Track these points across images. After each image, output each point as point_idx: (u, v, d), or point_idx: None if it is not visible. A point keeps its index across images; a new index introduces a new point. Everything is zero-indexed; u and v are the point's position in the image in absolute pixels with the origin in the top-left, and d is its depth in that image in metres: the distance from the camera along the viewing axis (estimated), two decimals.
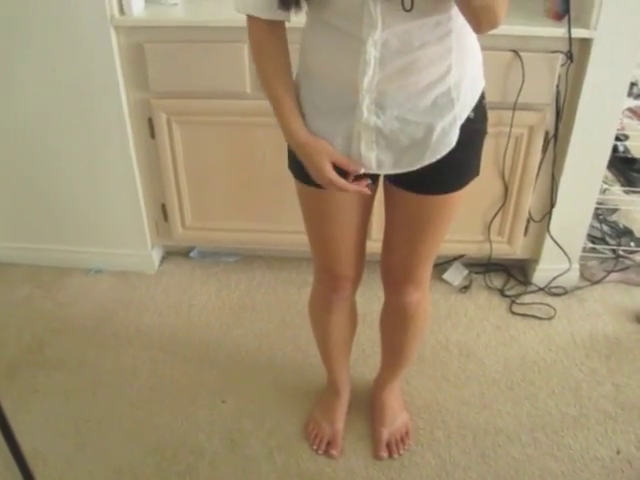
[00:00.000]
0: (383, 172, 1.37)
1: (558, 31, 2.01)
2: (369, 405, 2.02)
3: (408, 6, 1.10)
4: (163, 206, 2.53)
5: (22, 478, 1.00)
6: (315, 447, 1.91)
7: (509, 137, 2.20)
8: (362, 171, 1.35)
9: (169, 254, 2.79)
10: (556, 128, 2.20)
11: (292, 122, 1.33)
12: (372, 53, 1.18)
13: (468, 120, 1.31)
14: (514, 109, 2.13)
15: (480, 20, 1.11)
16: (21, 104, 2.32)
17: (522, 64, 2.05)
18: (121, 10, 2.11)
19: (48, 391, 2.12)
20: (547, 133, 2.22)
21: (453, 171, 1.37)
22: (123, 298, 2.54)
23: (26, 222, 2.65)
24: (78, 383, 2.14)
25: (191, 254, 2.77)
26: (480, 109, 1.34)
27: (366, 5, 1.13)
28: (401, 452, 1.89)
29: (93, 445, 1.93)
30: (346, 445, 1.92)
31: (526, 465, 1.86)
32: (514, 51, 2.04)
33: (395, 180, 1.42)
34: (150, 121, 2.31)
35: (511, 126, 2.16)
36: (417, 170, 1.33)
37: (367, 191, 1.37)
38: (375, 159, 1.33)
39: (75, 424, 2.00)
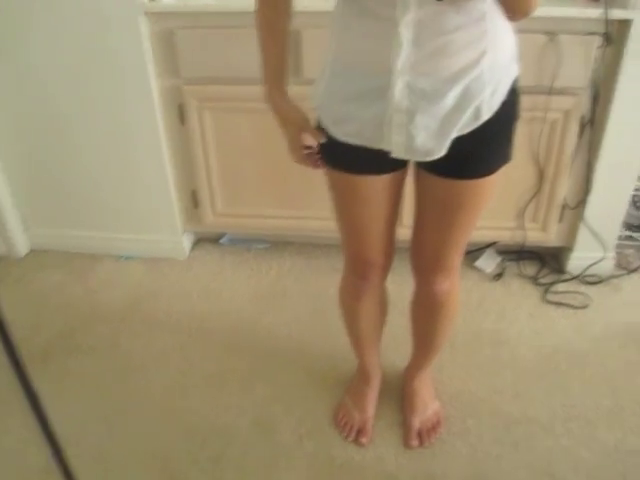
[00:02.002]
0: (413, 158, 1.34)
1: (595, 12, 1.97)
2: (400, 393, 2.01)
3: None
4: (194, 192, 2.53)
5: (56, 461, 1.01)
6: (345, 434, 1.90)
7: (544, 122, 2.16)
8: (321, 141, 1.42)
9: (200, 240, 2.80)
10: (592, 113, 2.15)
11: (270, 82, 1.42)
12: (405, 35, 1.16)
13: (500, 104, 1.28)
14: (549, 93, 2.08)
15: (514, 8, 1.11)
16: (52, 91, 2.33)
17: (557, 47, 2.01)
18: None
19: (80, 376, 2.14)
20: (583, 118, 2.17)
21: (483, 156, 1.34)
22: (153, 284, 2.55)
23: (57, 209, 2.68)
24: (109, 369, 2.16)
25: (222, 241, 2.78)
26: (512, 94, 1.31)
27: None
28: (432, 441, 1.88)
29: (124, 430, 1.94)
30: (376, 433, 1.91)
31: (559, 456, 1.83)
32: (549, 33, 2.00)
33: (424, 164, 1.39)
34: (180, 107, 2.31)
35: (546, 111, 2.12)
36: (447, 153, 1.30)
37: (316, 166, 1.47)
38: (404, 144, 1.31)
39: (106, 409, 2.01)
